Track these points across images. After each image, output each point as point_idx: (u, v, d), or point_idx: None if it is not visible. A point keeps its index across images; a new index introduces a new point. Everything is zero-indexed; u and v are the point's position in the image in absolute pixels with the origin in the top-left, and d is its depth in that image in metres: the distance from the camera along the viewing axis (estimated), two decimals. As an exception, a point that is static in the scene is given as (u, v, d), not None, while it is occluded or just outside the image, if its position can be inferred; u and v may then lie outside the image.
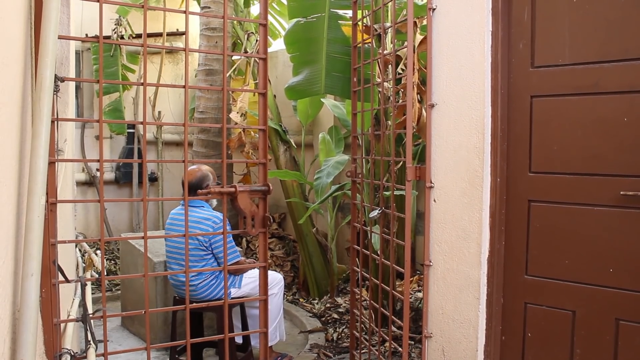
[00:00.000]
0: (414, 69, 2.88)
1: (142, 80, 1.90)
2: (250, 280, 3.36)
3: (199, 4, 5.29)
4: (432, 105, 2.43)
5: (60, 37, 1.57)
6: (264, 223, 2.09)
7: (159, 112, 6.14)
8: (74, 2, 2.82)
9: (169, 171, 6.41)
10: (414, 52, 2.87)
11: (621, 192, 2.01)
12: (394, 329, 3.49)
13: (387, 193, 3.26)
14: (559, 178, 2.16)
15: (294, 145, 5.11)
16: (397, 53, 3.62)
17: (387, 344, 2.79)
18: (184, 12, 1.94)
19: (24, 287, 1.36)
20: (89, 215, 6.20)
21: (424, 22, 3.33)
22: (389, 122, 3.60)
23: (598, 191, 2.07)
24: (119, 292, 4.61)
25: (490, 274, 2.28)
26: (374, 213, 2.70)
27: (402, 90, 3.54)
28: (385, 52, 3.22)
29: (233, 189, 2.02)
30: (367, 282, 3.03)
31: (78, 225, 5.94)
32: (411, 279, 4.30)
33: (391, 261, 2.68)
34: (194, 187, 3.18)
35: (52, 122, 1.58)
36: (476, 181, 2.29)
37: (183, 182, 3.29)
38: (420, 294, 3.87)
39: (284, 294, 4.45)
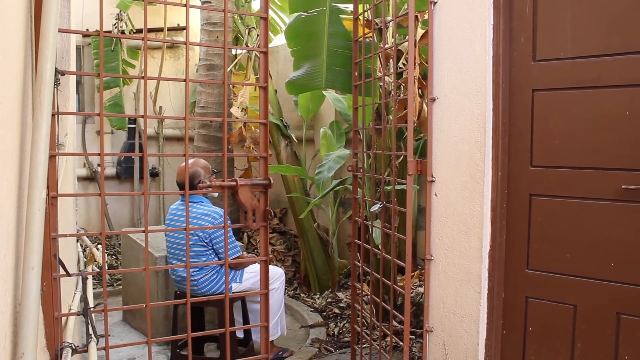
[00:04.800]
0: (415, 63, 2.87)
1: (142, 75, 1.89)
2: (251, 275, 3.36)
3: (200, -2, 5.29)
4: (434, 99, 2.42)
5: (60, 31, 1.56)
6: (265, 217, 2.09)
7: (160, 107, 6.14)
8: (74, -4, 2.82)
9: (170, 166, 6.41)
10: (415, 46, 2.86)
11: (623, 186, 2.00)
12: (395, 323, 3.49)
13: (388, 187, 3.26)
14: (561, 172, 2.16)
15: (295, 140, 5.10)
16: (399, 47, 3.60)
17: (388, 339, 2.79)
18: (185, 5, 1.93)
19: (25, 281, 1.36)
20: (90, 210, 6.21)
21: (426, 17, 3.32)
22: (390, 117, 3.60)
23: (599, 185, 2.07)
24: (120, 287, 4.62)
25: (492, 268, 2.28)
26: (375, 207, 2.69)
27: (403, 84, 3.53)
28: (386, 46, 3.21)
29: (234, 183, 2.02)
30: (368, 276, 3.03)
31: (79, 221, 5.95)
32: (412, 273, 4.30)
33: (392, 256, 2.68)
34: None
35: (53, 115, 1.57)
36: (477, 175, 2.28)
37: (177, 181, 3.28)
38: (421, 289, 3.87)
39: (285, 288, 4.45)
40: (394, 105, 3.02)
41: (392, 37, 3.54)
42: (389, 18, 3.21)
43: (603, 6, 2.04)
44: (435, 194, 2.44)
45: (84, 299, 1.86)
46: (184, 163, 3.29)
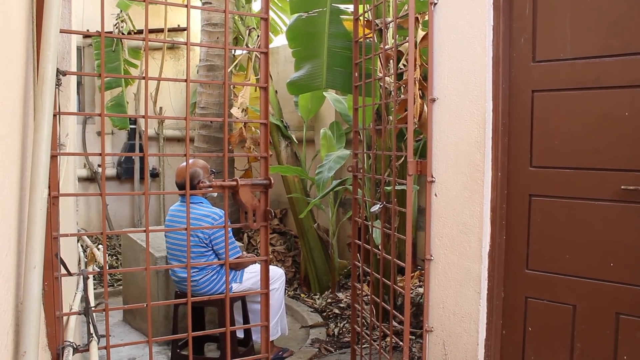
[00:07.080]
0: (415, 64, 2.87)
1: (143, 75, 1.90)
2: (251, 275, 3.37)
3: (201, -1, 5.30)
4: (433, 100, 2.43)
5: (61, 31, 1.57)
6: (265, 217, 2.10)
7: (160, 108, 6.15)
8: (76, -3, 2.83)
9: (170, 167, 6.41)
10: (416, 48, 2.87)
11: (622, 187, 2.01)
12: (395, 323, 3.50)
13: (388, 188, 3.27)
14: (560, 172, 2.17)
15: (295, 140, 5.11)
16: (399, 48, 3.61)
17: (388, 339, 2.80)
18: (186, 6, 1.94)
19: (27, 280, 1.36)
20: (91, 211, 6.22)
21: (426, 18, 3.33)
22: (390, 117, 3.60)
23: (599, 185, 2.07)
24: (121, 287, 4.63)
25: (491, 268, 2.28)
26: (375, 208, 2.70)
27: (404, 85, 3.53)
28: (386, 47, 3.21)
29: (235, 183, 2.03)
30: (368, 277, 3.03)
31: (80, 222, 5.96)
32: (412, 274, 4.31)
33: (392, 256, 2.68)
34: (185, 185, 3.16)
35: (54, 115, 1.58)
36: (477, 175, 2.29)
37: (176, 182, 3.29)
38: (421, 289, 3.87)
39: (285, 289, 4.46)
40: (394, 106, 3.03)
41: (392, 38, 3.55)
42: (389, 19, 3.21)
43: (602, 7, 2.04)
44: (435, 195, 2.44)
45: (85, 298, 1.86)
46: (183, 164, 3.33)
